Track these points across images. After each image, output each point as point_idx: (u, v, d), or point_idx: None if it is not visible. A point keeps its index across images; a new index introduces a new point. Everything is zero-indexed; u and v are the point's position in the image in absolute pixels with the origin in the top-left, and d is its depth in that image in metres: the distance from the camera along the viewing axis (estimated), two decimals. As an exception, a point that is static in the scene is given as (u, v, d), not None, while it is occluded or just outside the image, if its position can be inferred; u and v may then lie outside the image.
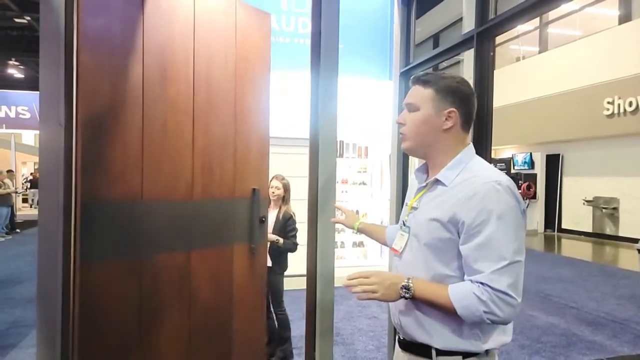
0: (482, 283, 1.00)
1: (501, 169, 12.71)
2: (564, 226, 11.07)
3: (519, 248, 1.02)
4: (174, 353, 2.29)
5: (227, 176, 2.49)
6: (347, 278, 1.09)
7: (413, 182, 1.30)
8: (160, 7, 2.13)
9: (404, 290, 1.07)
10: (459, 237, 1.06)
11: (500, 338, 1.11)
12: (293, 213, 3.15)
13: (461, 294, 1.03)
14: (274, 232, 3.06)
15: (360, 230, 1.65)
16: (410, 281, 1.07)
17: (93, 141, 1.77)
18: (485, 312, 0.99)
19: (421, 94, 1.14)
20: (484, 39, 1.86)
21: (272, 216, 3.11)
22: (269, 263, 3.03)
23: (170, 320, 2.29)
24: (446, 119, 1.13)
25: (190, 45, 2.23)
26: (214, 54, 2.31)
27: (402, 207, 1.35)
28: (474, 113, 1.18)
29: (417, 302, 1.10)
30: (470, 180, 1.07)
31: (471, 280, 1.03)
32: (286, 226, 3.10)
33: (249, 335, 2.60)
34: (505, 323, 1.06)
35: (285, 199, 3.15)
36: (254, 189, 2.60)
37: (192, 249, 2.32)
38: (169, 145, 2.22)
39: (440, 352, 1.09)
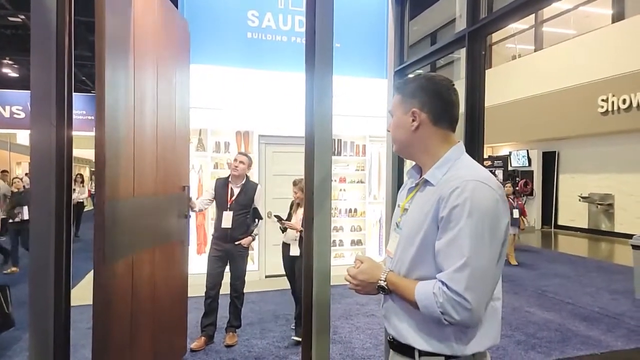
0: (442, 282, 0.99)
1: (498, 167, 12.70)
2: (560, 222, 11.12)
3: (486, 252, 0.98)
4: (149, 346, 2.42)
5: (169, 173, 2.68)
6: (347, 271, 1.21)
7: (406, 183, 1.30)
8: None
9: (380, 289, 1.16)
10: None
11: (485, 341, 1.08)
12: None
13: (424, 293, 1.03)
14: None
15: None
16: (385, 278, 1.14)
17: (115, 146, 1.85)
18: (442, 312, 0.98)
19: (394, 101, 1.21)
20: (475, 38, 1.86)
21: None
22: (297, 252, 3.39)
23: (145, 318, 2.37)
24: (412, 119, 1.15)
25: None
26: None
27: (394, 208, 1.35)
28: (450, 108, 1.14)
29: (401, 303, 1.12)
30: (453, 177, 1.06)
31: (437, 278, 1.02)
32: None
33: (176, 318, 3.00)
34: (465, 326, 1.02)
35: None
36: (184, 187, 2.86)
37: (156, 245, 2.49)
38: (144, 141, 2.29)
39: (422, 353, 1.08)
